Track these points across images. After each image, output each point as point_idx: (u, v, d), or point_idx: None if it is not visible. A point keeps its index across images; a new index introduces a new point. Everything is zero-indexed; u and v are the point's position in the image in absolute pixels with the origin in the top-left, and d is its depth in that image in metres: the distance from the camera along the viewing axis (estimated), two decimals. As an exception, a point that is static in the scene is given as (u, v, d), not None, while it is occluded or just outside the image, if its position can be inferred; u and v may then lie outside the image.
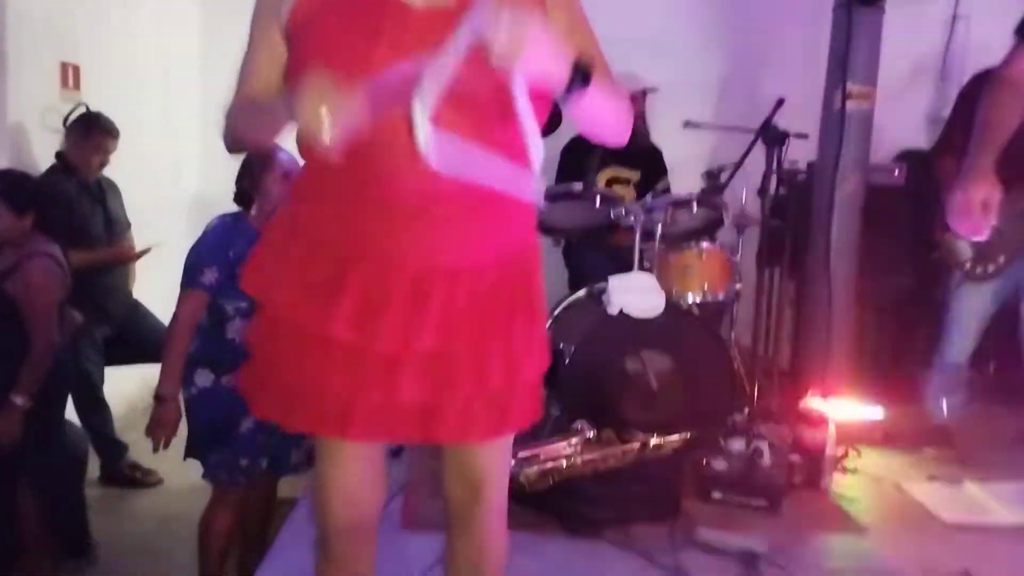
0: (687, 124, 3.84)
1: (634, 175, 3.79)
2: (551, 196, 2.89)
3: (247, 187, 2.35)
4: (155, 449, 2.30)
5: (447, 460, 1.46)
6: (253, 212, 2.35)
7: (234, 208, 2.41)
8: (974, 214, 1.88)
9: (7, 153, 3.22)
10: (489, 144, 1.22)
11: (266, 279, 1.36)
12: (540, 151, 1.22)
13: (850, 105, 3.20)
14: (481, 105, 1.22)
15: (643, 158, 3.81)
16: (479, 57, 1.11)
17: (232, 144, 1.41)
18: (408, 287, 1.27)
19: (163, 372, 2.26)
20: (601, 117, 1.32)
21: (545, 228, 3.08)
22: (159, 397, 2.24)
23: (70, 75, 3.59)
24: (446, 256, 1.28)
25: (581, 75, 1.18)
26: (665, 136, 3.95)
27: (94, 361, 3.26)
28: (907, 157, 3.73)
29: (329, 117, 1.08)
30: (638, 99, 3.81)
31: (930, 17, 3.87)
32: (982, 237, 1.93)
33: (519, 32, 1.09)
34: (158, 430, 2.25)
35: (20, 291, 2.52)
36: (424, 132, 1.08)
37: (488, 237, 1.32)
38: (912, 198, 3.44)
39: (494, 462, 1.44)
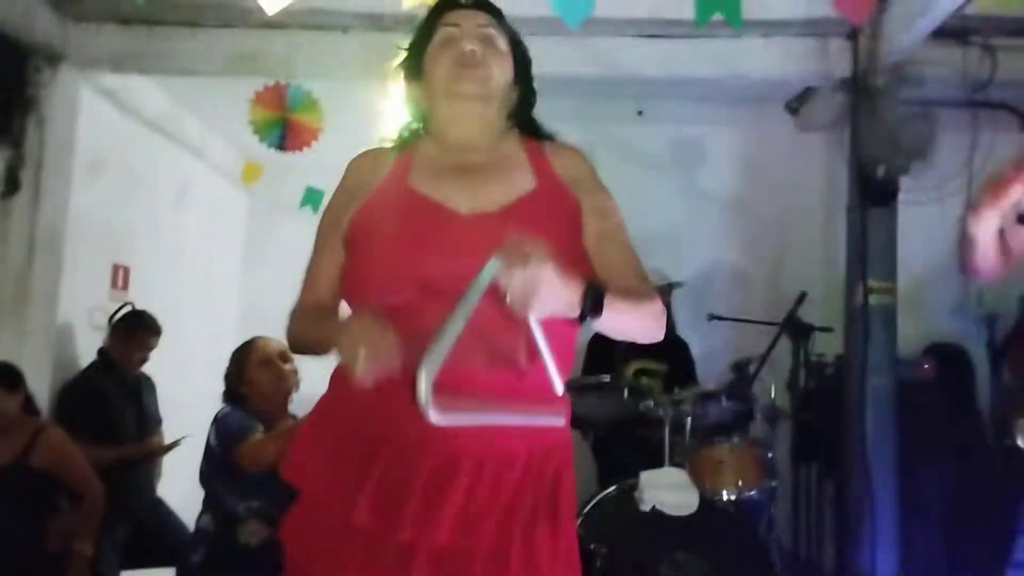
0: (712, 317, 3.93)
1: (661, 367, 3.80)
2: (578, 388, 2.90)
3: (234, 381, 2.42)
4: None
5: None
6: (249, 403, 2.39)
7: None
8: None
9: (53, 352, 3.35)
10: (515, 377, 1.28)
11: (301, 467, 1.38)
12: (559, 383, 1.26)
13: (872, 300, 3.25)
14: (504, 340, 1.27)
15: (670, 350, 3.83)
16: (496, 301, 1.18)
17: (293, 347, 1.48)
18: (429, 474, 1.27)
19: None
20: (624, 328, 1.37)
21: (573, 421, 3.05)
22: None
23: (120, 276, 3.80)
24: (472, 444, 1.28)
25: (592, 305, 1.23)
26: (691, 329, 4.01)
27: (110, 563, 3.17)
28: (936, 350, 3.72)
29: (365, 357, 1.17)
30: (664, 293, 3.91)
31: (945, 213, 3.99)
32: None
33: (530, 284, 1.15)
34: None
35: (51, 458, 2.64)
36: (424, 395, 1.13)
37: (517, 431, 1.31)
38: (946, 393, 3.39)
39: None
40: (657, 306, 1.40)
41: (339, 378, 1.42)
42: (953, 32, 3.55)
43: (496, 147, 1.44)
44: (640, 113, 4.49)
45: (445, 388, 1.17)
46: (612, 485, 2.99)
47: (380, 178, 1.42)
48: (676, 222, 4.31)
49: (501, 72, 1.43)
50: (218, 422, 2.43)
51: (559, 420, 1.35)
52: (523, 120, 1.50)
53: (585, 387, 2.99)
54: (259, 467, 2.30)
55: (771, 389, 3.24)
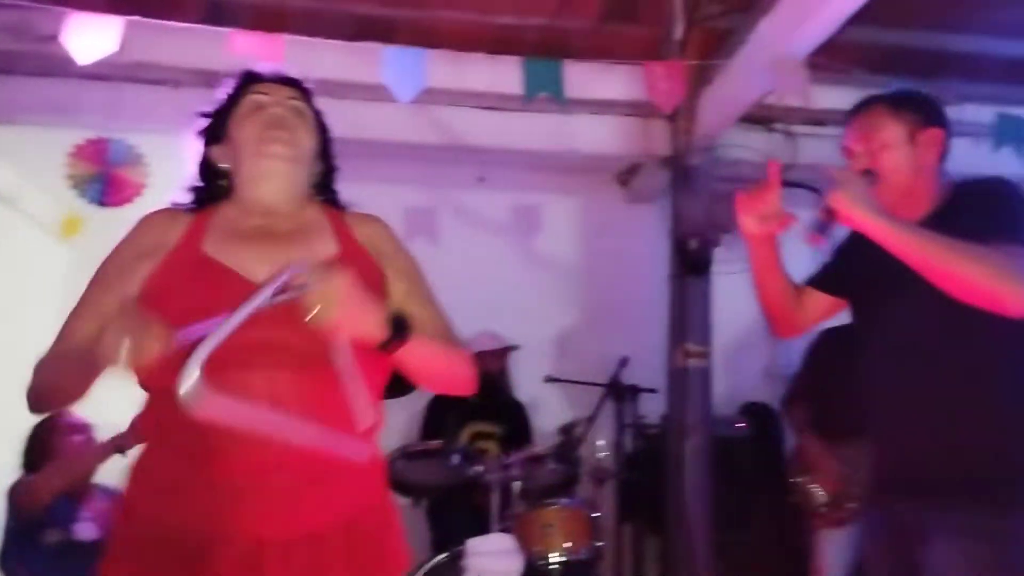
0: (548, 379, 4.03)
1: (498, 429, 3.85)
2: (409, 454, 2.89)
3: (37, 455, 2.32)
4: None
5: None
6: None
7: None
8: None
9: None
10: (320, 401, 1.26)
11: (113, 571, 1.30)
12: (367, 409, 1.26)
13: (690, 363, 3.46)
14: (307, 362, 1.27)
15: (506, 413, 3.90)
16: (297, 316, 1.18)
17: (36, 399, 1.38)
18: (239, 565, 1.23)
19: None
20: (431, 366, 1.40)
21: (403, 488, 3.03)
22: None
23: (-94, 339, 3.44)
24: (279, 528, 1.25)
25: (397, 330, 1.26)
26: (529, 391, 4.09)
27: None
28: (750, 409, 3.99)
29: (130, 351, 1.13)
30: (501, 356, 3.99)
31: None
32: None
33: (329, 295, 1.18)
34: None
35: None
36: (188, 383, 1.10)
37: (326, 506, 1.30)
38: (758, 449, 3.62)
39: None
40: (466, 356, 1.46)
41: (138, 469, 1.36)
42: (759, 119, 3.92)
43: (298, 214, 1.46)
44: (481, 179, 4.61)
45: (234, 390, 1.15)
46: (444, 553, 2.98)
47: (173, 240, 1.39)
48: (515, 286, 4.41)
49: (308, 139, 1.47)
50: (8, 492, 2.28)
51: (358, 451, 1.31)
52: (326, 192, 1.54)
53: (416, 453, 2.98)
54: (35, 504, 2.23)
55: (599, 450, 3.34)
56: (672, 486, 3.35)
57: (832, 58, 3.17)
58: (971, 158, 2.39)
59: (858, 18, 2.84)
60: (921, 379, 1.75)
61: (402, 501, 3.09)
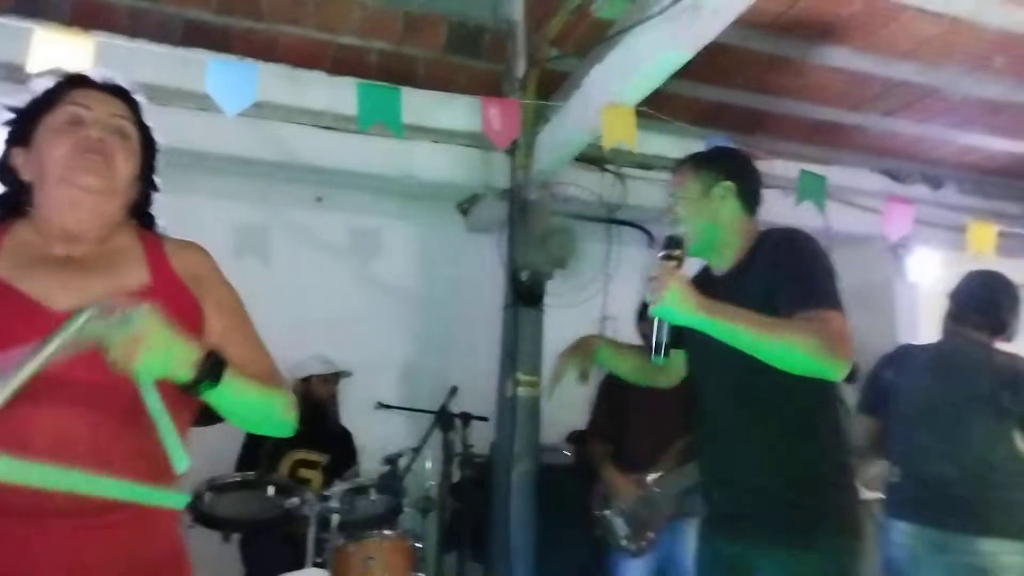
0: (379, 405, 3.97)
1: (323, 458, 3.72)
2: (217, 487, 2.72)
3: None
4: None
5: None
6: None
7: None
8: None
9: None
10: (117, 444, 1.17)
11: None
12: (182, 457, 1.17)
13: (520, 392, 3.51)
14: (115, 405, 1.17)
15: (332, 440, 3.78)
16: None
17: None
18: None
19: None
20: (248, 407, 1.31)
21: (211, 522, 2.85)
22: None
23: None
24: None
25: (210, 369, 1.19)
26: (359, 418, 4.00)
27: None
28: (575, 438, 4.10)
29: None
30: (331, 382, 3.88)
31: (585, 316, 4.50)
32: None
33: (134, 336, 1.09)
34: None
35: None
36: None
37: (111, 555, 1.20)
38: (581, 475, 3.72)
39: None
40: (288, 399, 1.38)
41: None
42: (592, 159, 4.09)
43: (108, 240, 1.34)
44: (319, 199, 4.50)
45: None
46: (258, 588, 2.83)
47: None
48: (350, 310, 4.31)
49: (127, 166, 1.35)
50: None
51: (173, 499, 1.22)
52: (141, 215, 1.43)
53: (226, 485, 2.82)
54: None
55: (425, 480, 3.31)
56: (498, 514, 3.37)
57: (659, 108, 3.36)
58: (778, 209, 2.62)
59: (683, 73, 3.04)
60: (739, 427, 1.88)
61: (212, 534, 2.90)
